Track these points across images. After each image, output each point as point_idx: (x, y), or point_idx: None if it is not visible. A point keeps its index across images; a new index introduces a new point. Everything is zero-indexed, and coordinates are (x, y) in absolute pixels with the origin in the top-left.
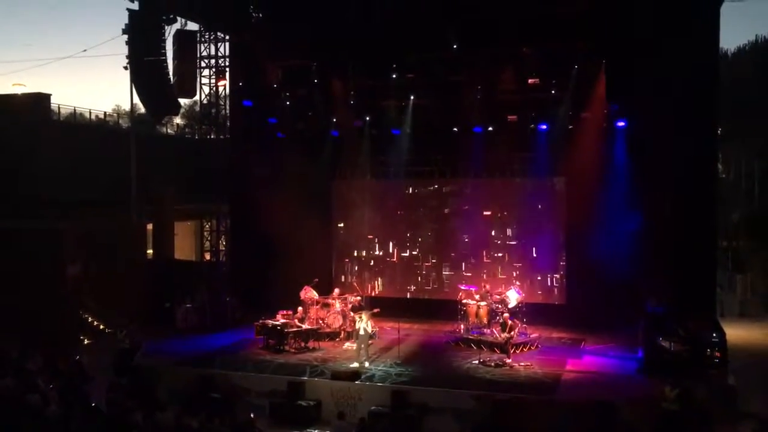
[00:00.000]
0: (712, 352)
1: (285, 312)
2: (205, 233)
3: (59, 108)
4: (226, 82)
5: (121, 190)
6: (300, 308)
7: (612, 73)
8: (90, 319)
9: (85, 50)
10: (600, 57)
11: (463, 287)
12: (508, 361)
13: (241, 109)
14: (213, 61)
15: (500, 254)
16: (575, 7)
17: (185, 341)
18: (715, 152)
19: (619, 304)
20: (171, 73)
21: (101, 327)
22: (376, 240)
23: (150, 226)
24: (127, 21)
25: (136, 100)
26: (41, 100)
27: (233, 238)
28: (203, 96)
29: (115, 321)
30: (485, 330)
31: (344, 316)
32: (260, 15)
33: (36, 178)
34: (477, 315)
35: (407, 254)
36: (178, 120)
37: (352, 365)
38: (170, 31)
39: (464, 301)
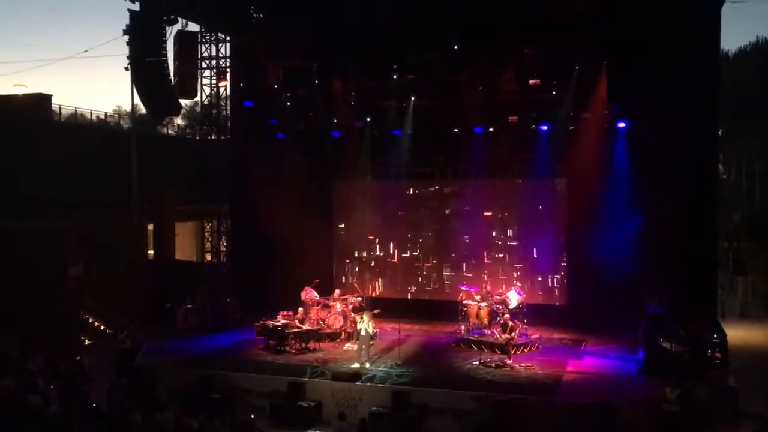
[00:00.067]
0: (712, 353)
1: (286, 313)
2: (206, 234)
3: (60, 108)
4: (227, 83)
5: (121, 190)
6: (301, 309)
7: (613, 74)
8: (91, 320)
9: (86, 51)
10: (601, 57)
11: (463, 288)
12: (509, 362)
13: (242, 109)
14: (214, 62)
15: (501, 255)
16: (575, 7)
17: (186, 342)
18: (715, 153)
19: (620, 305)
20: (172, 73)
21: (102, 327)
22: (377, 241)
23: (151, 227)
24: (128, 22)
25: (137, 100)
26: (42, 100)
27: (234, 238)
28: (204, 97)
29: (115, 321)
30: (486, 331)
31: (345, 317)
32: (261, 16)
33: (37, 179)
34: (478, 316)
35: (408, 255)
36: (178, 121)
37: (352, 366)
38: (171, 32)
39: (465, 302)
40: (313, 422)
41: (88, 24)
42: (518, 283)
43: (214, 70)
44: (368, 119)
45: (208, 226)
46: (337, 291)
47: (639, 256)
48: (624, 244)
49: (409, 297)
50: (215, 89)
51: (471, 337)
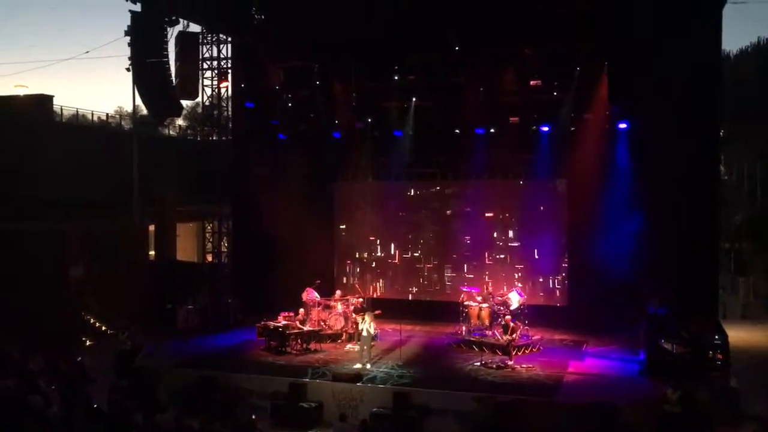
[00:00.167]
0: (714, 354)
1: (287, 313)
2: (207, 235)
3: (61, 109)
4: (228, 84)
5: (123, 191)
6: (302, 310)
7: (614, 75)
8: (92, 321)
9: (87, 52)
10: (601, 58)
11: (464, 289)
12: (510, 363)
13: (243, 110)
14: (215, 63)
15: (502, 256)
16: (576, 7)
17: (187, 342)
18: (717, 154)
19: (621, 305)
20: (173, 74)
21: (103, 328)
22: (378, 241)
23: (152, 228)
24: (129, 23)
25: (139, 101)
26: (43, 101)
27: (235, 239)
28: (205, 97)
29: (116, 322)
30: (487, 332)
31: (346, 318)
32: (262, 17)
33: (38, 180)
34: (479, 317)
35: (409, 256)
36: (180, 121)
37: (353, 367)
38: (172, 33)
39: (466, 302)
40: (314, 423)
41: (89, 25)
42: (519, 284)
43: (216, 71)
44: (369, 120)
45: (209, 227)
46: (338, 292)
47: (640, 257)
48: (625, 245)
49: (410, 298)
50: (216, 90)
51: (472, 338)
